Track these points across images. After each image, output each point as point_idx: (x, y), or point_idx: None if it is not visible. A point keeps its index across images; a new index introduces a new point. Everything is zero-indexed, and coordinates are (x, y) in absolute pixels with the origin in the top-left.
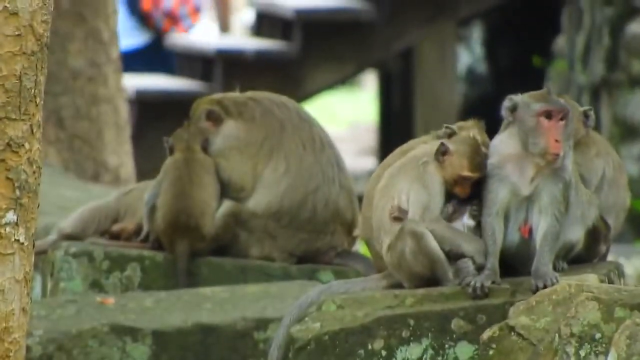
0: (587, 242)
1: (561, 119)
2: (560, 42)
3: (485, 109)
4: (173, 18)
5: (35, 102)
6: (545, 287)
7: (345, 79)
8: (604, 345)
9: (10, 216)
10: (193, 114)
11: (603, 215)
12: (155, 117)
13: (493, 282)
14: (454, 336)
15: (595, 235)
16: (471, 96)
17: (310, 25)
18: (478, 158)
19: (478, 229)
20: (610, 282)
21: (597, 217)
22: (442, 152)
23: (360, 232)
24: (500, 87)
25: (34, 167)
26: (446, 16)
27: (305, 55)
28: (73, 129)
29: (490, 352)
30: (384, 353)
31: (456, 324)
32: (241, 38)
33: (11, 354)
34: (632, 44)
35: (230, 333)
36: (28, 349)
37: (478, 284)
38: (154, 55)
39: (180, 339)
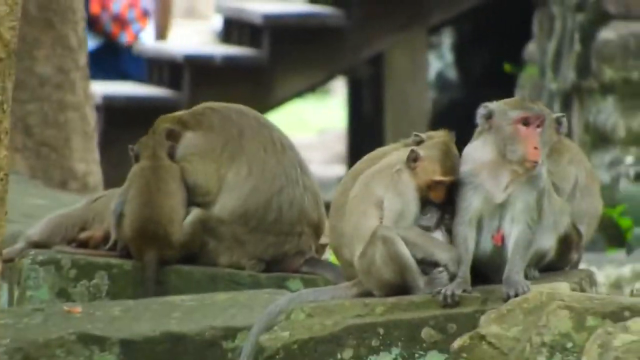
0: (559, 250)
1: (538, 126)
2: (531, 49)
3: (455, 116)
4: (122, 22)
5: (3, 109)
6: (516, 295)
7: (315, 85)
8: (575, 354)
9: None
10: (155, 130)
11: (575, 223)
12: (123, 124)
13: (464, 291)
14: (424, 345)
15: (567, 244)
16: (441, 103)
17: (279, 31)
18: (449, 162)
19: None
20: (582, 290)
21: (569, 225)
22: (413, 159)
23: (329, 241)
24: (470, 94)
25: (1, 174)
26: (417, 22)
27: (275, 61)
28: (40, 136)
29: None
30: None
31: (426, 332)
32: (210, 44)
33: None
34: (604, 51)
35: (198, 342)
36: None
37: (449, 293)
38: (103, 60)
39: (148, 348)
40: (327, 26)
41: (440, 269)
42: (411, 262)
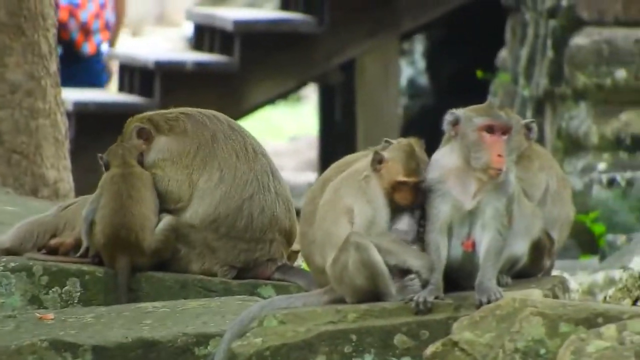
0: (532, 257)
1: (503, 134)
2: (504, 55)
3: (427, 123)
4: (86, 32)
5: None
6: (489, 302)
7: (287, 92)
8: None
9: None
10: (124, 132)
11: (547, 229)
12: (94, 130)
13: (436, 297)
14: (397, 352)
15: (540, 250)
16: (413, 109)
17: (250, 38)
18: (413, 163)
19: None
20: (555, 297)
21: (541, 231)
22: (377, 161)
23: (300, 247)
24: (442, 101)
25: None
26: (388, 29)
27: (246, 68)
28: (11, 143)
29: None
30: None
31: (399, 339)
32: (181, 50)
33: None
34: (576, 57)
35: (171, 348)
36: None
37: (421, 299)
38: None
39: (120, 355)
40: (298, 33)
41: (413, 275)
42: (383, 268)
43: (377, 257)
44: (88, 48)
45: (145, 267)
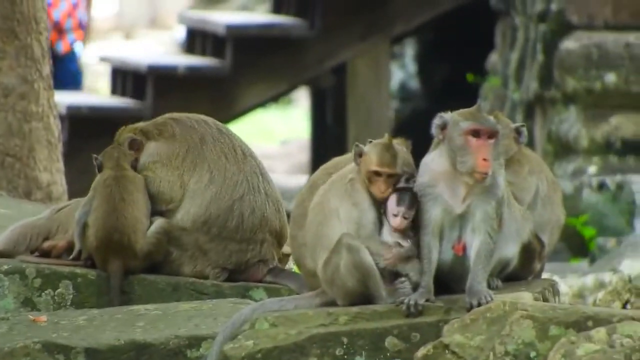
0: (522, 260)
1: (489, 138)
2: (494, 59)
3: (418, 126)
4: (59, 30)
5: None
6: (479, 305)
7: (278, 95)
8: None
9: None
10: (116, 141)
11: (537, 232)
12: (87, 133)
13: (427, 300)
14: (388, 354)
15: (530, 253)
16: (404, 113)
17: (242, 42)
18: (387, 154)
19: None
20: (545, 300)
21: (532, 233)
22: (358, 154)
23: (291, 251)
24: (433, 104)
25: None
26: (379, 33)
27: (237, 71)
28: (4, 146)
29: None
30: None
31: (390, 342)
32: (173, 54)
33: None
34: (566, 61)
35: (163, 351)
36: None
37: (412, 302)
38: None
39: (113, 357)
40: (289, 36)
41: (403, 278)
42: (375, 271)
43: (369, 259)
44: (62, 47)
45: (138, 269)
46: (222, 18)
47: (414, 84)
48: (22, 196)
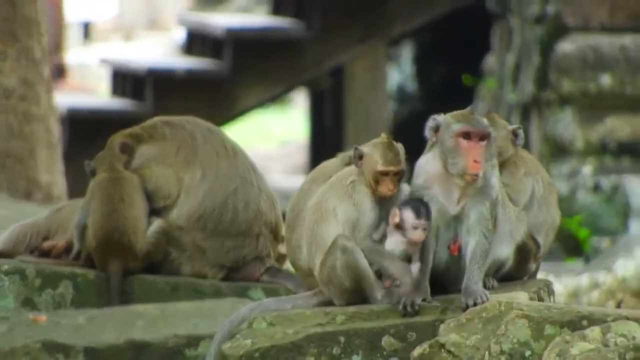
0: (517, 260)
1: (481, 140)
2: (490, 61)
3: (415, 128)
4: None
5: None
6: (475, 304)
7: (276, 97)
8: None
9: None
10: (108, 147)
11: (533, 233)
12: (87, 135)
13: (424, 300)
14: (385, 353)
15: (525, 254)
16: (402, 115)
17: (241, 44)
18: (390, 153)
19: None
20: (540, 299)
21: (526, 234)
22: (358, 157)
23: (287, 253)
24: (430, 106)
25: None
26: (377, 35)
27: (236, 73)
28: (5, 147)
29: None
30: None
31: (387, 341)
32: (172, 56)
33: None
34: (562, 63)
35: (162, 350)
36: None
37: (409, 302)
38: None
39: (112, 356)
40: (288, 39)
41: (398, 282)
42: (369, 272)
43: (363, 261)
44: None
45: (137, 269)
46: (221, 20)
47: (412, 85)
48: (22, 197)
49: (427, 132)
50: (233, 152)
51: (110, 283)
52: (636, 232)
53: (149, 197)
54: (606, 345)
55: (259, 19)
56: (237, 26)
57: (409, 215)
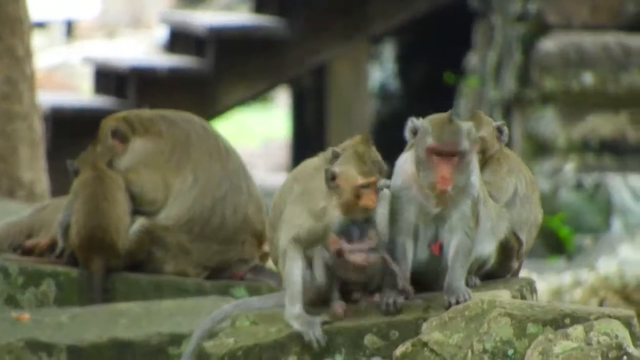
0: (500, 258)
1: (453, 155)
2: (472, 59)
3: (397, 126)
4: None
5: None
6: (458, 302)
7: (259, 95)
8: None
9: None
10: (100, 132)
11: (515, 231)
12: (70, 133)
13: (406, 298)
14: (367, 352)
15: (508, 251)
16: (384, 113)
17: (223, 42)
18: (365, 163)
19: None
20: (523, 298)
21: (509, 231)
22: (331, 179)
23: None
24: (412, 104)
25: None
26: (359, 33)
27: (219, 71)
28: None
29: None
30: None
31: (369, 339)
32: (155, 54)
33: None
34: (544, 61)
35: (145, 348)
36: None
37: (391, 300)
38: None
39: (95, 354)
40: (270, 37)
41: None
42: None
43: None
44: None
45: (120, 268)
46: (204, 18)
47: (394, 83)
48: (5, 195)
49: (407, 134)
50: (226, 153)
51: (92, 281)
52: (618, 230)
53: (135, 201)
54: (589, 343)
55: (242, 17)
56: (220, 24)
57: (342, 242)
